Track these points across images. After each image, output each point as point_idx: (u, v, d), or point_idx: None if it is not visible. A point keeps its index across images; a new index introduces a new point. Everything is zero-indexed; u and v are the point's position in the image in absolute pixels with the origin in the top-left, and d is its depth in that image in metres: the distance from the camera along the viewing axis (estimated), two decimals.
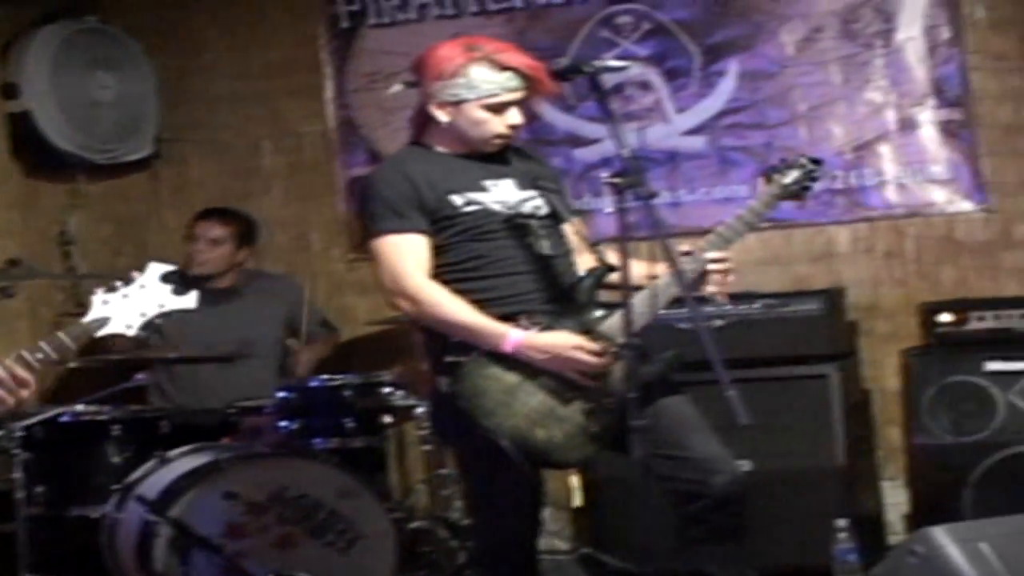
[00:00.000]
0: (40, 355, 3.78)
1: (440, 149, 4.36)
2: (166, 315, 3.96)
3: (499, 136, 4.31)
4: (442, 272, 4.27)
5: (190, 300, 3.93)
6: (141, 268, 5.83)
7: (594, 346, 4.12)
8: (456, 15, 6.86)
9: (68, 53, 6.81)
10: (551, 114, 6.72)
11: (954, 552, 4.11)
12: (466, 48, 4.28)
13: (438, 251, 4.28)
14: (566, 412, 4.14)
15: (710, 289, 4.33)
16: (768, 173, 4.53)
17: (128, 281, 3.88)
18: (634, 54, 6.69)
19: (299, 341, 6.50)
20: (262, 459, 5.44)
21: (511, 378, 4.16)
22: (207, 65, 7.23)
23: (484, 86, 4.23)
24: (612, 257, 4.16)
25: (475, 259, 4.29)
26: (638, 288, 4.14)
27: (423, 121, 4.38)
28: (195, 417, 5.92)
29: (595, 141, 6.58)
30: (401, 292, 4.25)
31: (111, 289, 3.86)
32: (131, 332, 3.88)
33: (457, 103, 4.26)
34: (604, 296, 4.29)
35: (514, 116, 4.29)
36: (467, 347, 4.18)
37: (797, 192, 4.50)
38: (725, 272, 4.33)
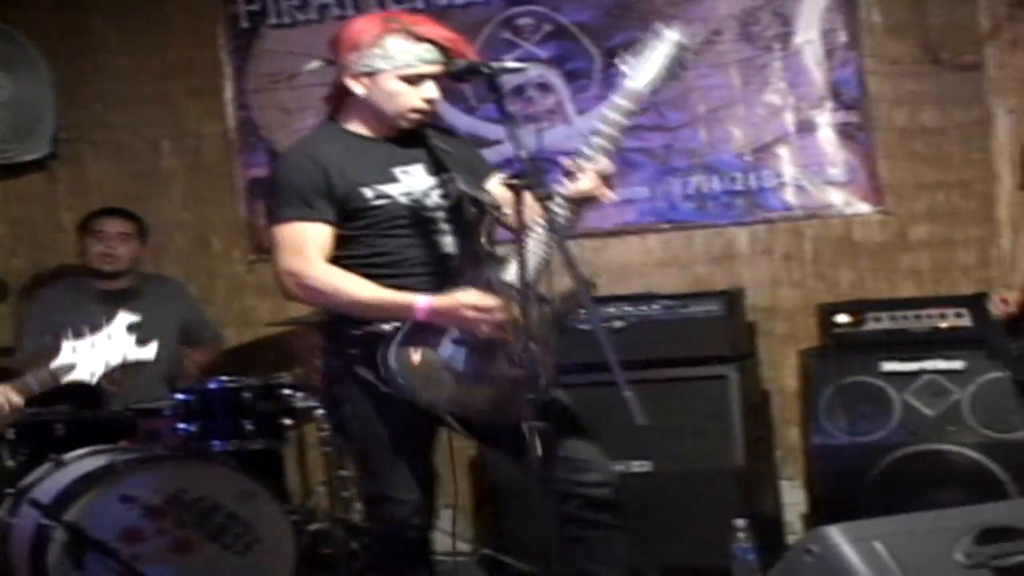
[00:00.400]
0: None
1: (355, 129, 4.35)
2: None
3: (415, 110, 4.29)
4: (346, 263, 4.27)
5: (150, 352, 3.93)
6: (38, 270, 5.80)
7: (488, 301, 4.11)
8: (356, 16, 6.83)
9: None
10: (453, 115, 6.70)
11: (848, 551, 4.13)
12: (383, 20, 4.28)
13: (343, 241, 4.29)
14: (494, 370, 4.16)
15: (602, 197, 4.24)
16: (626, 59, 4.32)
17: (96, 329, 3.85)
18: (535, 56, 6.71)
19: (190, 345, 6.49)
20: (160, 462, 5.38)
21: (428, 353, 4.20)
22: (105, 66, 7.17)
23: (400, 57, 4.21)
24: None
25: (381, 254, 4.31)
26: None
27: (339, 96, 4.37)
28: (92, 420, 5.85)
29: (496, 142, 6.54)
30: (301, 279, 4.24)
31: (79, 335, 3.84)
32: (93, 380, 3.86)
33: (372, 74, 4.24)
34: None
35: (430, 90, 4.27)
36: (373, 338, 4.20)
37: (669, 74, 4.28)
38: (603, 180, 4.21)
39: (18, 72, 6.94)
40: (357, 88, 4.27)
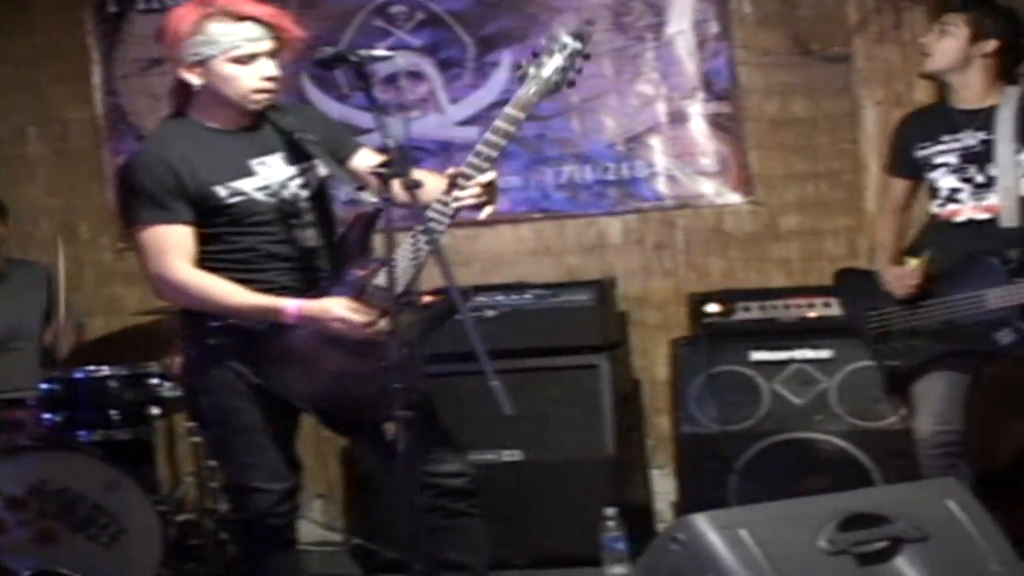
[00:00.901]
0: None
1: (204, 122, 4.28)
2: None
3: (257, 91, 4.22)
4: (209, 260, 4.23)
5: None
6: None
7: (356, 315, 4.09)
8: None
9: None
10: (324, 102, 6.71)
11: (714, 539, 4.16)
12: (199, 5, 4.20)
13: (204, 239, 4.24)
14: (362, 367, 4.13)
15: (482, 214, 4.21)
16: (524, 68, 4.17)
17: None
18: (408, 44, 6.71)
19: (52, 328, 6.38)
20: (22, 452, 5.34)
21: (298, 349, 4.20)
22: None
23: (224, 39, 4.15)
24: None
25: (242, 250, 4.27)
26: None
27: (182, 91, 4.29)
28: None
29: (368, 131, 6.48)
30: (169, 284, 4.21)
31: None
32: None
33: (202, 61, 4.18)
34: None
35: (267, 67, 4.21)
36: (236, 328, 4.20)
37: (559, 83, 4.17)
38: (487, 192, 4.17)
39: None
40: (192, 79, 4.21)
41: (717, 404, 5.92)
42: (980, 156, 4.97)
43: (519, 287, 6.19)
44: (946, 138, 5.01)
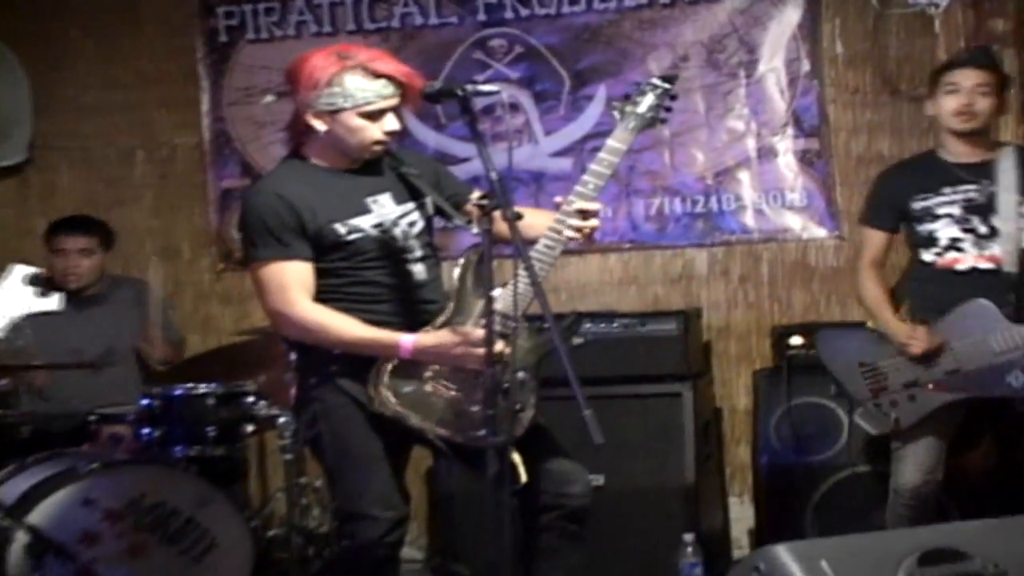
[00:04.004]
0: None
1: (319, 163, 4.33)
2: (32, 317, 3.89)
3: (377, 142, 4.27)
4: (327, 293, 4.27)
5: (53, 302, 3.86)
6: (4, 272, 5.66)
7: (477, 336, 4.07)
8: (333, 32, 6.87)
9: None
10: (422, 132, 6.75)
11: (795, 569, 4.14)
12: (339, 57, 4.23)
13: (322, 273, 4.27)
14: (478, 395, 4.10)
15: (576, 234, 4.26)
16: (620, 106, 4.36)
17: None
18: (505, 76, 6.74)
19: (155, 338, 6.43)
20: (121, 466, 5.33)
21: (415, 384, 4.21)
22: (80, 75, 7.16)
23: (359, 94, 4.19)
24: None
25: (359, 284, 4.31)
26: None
27: (300, 131, 4.33)
28: (56, 423, 5.83)
29: (464, 160, 6.57)
30: (288, 319, 4.25)
31: None
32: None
33: (333, 112, 4.22)
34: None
35: (391, 122, 4.26)
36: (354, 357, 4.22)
37: (654, 120, 4.36)
38: (588, 219, 4.25)
39: None
40: (319, 125, 4.24)
41: (796, 435, 5.89)
42: (983, 208, 5.06)
43: (607, 315, 6.16)
44: (947, 190, 5.11)
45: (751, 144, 6.62)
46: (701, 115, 6.66)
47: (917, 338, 5.04)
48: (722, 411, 6.53)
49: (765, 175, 6.54)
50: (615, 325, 6.11)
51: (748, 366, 6.48)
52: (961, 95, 5.12)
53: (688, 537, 5.72)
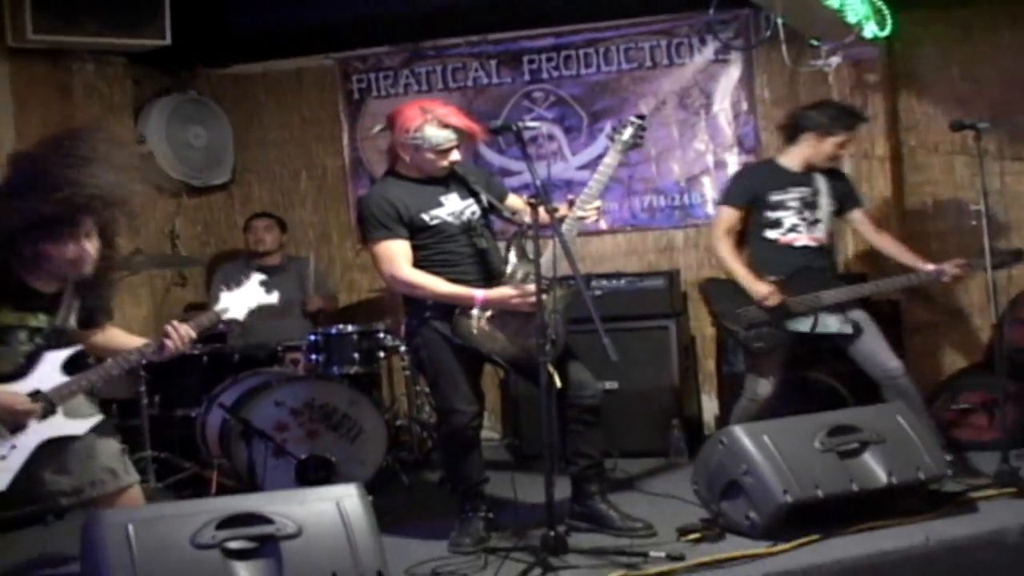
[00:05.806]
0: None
1: (407, 175, 4.34)
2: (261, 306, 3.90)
3: (443, 168, 4.30)
4: (420, 262, 4.28)
5: (273, 297, 3.87)
6: (219, 253, 5.68)
7: (528, 289, 4.08)
8: (429, 90, 6.84)
9: (175, 114, 6.77)
10: (489, 155, 6.72)
11: (747, 441, 4.19)
12: (422, 111, 4.26)
13: (416, 248, 4.29)
14: (528, 328, 4.11)
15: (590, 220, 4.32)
16: (612, 135, 4.41)
17: (239, 284, 3.81)
18: (544, 116, 6.69)
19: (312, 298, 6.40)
20: (298, 380, 5.39)
21: (483, 323, 4.22)
22: (264, 121, 7.12)
23: (433, 139, 4.23)
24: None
25: (442, 254, 4.32)
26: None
27: (395, 156, 4.37)
28: (255, 352, 5.87)
29: (518, 172, 6.58)
30: (399, 281, 4.27)
31: (229, 288, 3.79)
32: (241, 318, 3.80)
33: (415, 147, 4.26)
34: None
35: (454, 155, 4.29)
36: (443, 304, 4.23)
37: (634, 143, 4.38)
38: (597, 212, 4.32)
39: (210, 126, 6.93)
40: (406, 155, 4.30)
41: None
42: (811, 204, 5.03)
43: (616, 275, 6.14)
44: (792, 189, 5.04)
45: (710, 159, 6.57)
46: (676, 140, 6.62)
47: (772, 293, 4.96)
48: (695, 338, 6.47)
49: (720, 179, 6.45)
50: (622, 282, 6.10)
51: None
52: (842, 148, 5.12)
53: (675, 421, 5.77)
